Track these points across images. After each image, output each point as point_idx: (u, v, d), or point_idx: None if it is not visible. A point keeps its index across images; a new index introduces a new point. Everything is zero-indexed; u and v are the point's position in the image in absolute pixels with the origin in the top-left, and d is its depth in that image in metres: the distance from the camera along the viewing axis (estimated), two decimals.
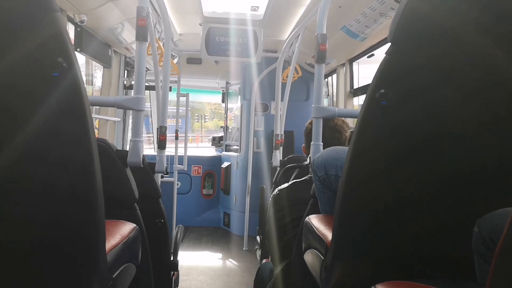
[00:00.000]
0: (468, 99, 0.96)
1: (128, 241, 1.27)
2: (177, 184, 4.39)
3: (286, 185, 2.14)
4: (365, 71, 3.81)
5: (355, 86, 3.89)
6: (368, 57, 3.46)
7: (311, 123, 2.18)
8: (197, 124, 21.85)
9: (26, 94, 0.87)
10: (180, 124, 4.55)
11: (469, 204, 1.02)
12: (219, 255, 4.49)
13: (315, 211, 1.64)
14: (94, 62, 3.98)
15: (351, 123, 3.69)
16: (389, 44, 0.97)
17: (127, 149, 1.73)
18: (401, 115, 0.99)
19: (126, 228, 1.33)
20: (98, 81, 4.27)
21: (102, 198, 0.97)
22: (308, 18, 2.81)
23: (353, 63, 3.84)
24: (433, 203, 1.04)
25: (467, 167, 1.01)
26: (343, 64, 3.94)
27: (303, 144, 2.26)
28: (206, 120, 23.23)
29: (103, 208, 0.98)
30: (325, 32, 1.88)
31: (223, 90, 6.57)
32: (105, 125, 3.89)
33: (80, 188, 0.93)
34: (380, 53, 3.36)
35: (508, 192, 1.00)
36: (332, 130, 1.93)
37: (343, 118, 2.05)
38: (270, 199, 2.18)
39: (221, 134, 6.66)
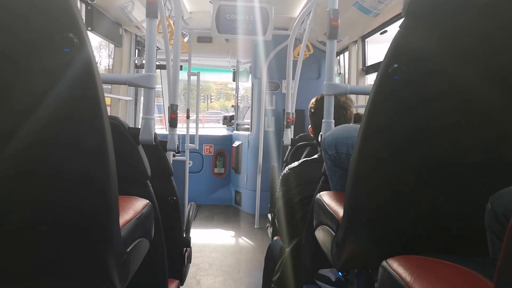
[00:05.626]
0: (485, 72, 0.94)
1: (141, 216, 1.29)
2: (189, 163, 4.41)
3: (296, 163, 2.14)
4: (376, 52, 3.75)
5: (367, 64, 3.83)
6: (381, 33, 3.40)
7: (314, 103, 2.16)
8: (202, 104, 21.60)
9: (38, 71, 0.87)
10: None
11: (482, 181, 1.01)
12: (231, 232, 4.54)
13: (326, 188, 1.64)
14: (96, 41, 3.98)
15: (363, 100, 3.66)
16: (402, 20, 0.95)
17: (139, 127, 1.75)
18: (414, 91, 0.97)
19: (139, 204, 1.34)
20: (103, 61, 4.28)
21: (116, 177, 0.97)
22: None
23: (366, 40, 3.78)
24: (446, 180, 1.03)
25: (481, 144, 0.99)
26: (355, 41, 3.88)
27: (310, 126, 2.25)
28: (212, 100, 22.91)
29: (117, 186, 0.98)
30: (337, 8, 1.85)
31: (234, 69, 6.54)
32: (117, 104, 3.91)
33: (94, 169, 0.93)
34: (393, 30, 3.29)
35: None
36: (337, 108, 1.91)
37: (346, 95, 2.03)
38: (280, 177, 2.19)
39: (232, 113, 6.66)
